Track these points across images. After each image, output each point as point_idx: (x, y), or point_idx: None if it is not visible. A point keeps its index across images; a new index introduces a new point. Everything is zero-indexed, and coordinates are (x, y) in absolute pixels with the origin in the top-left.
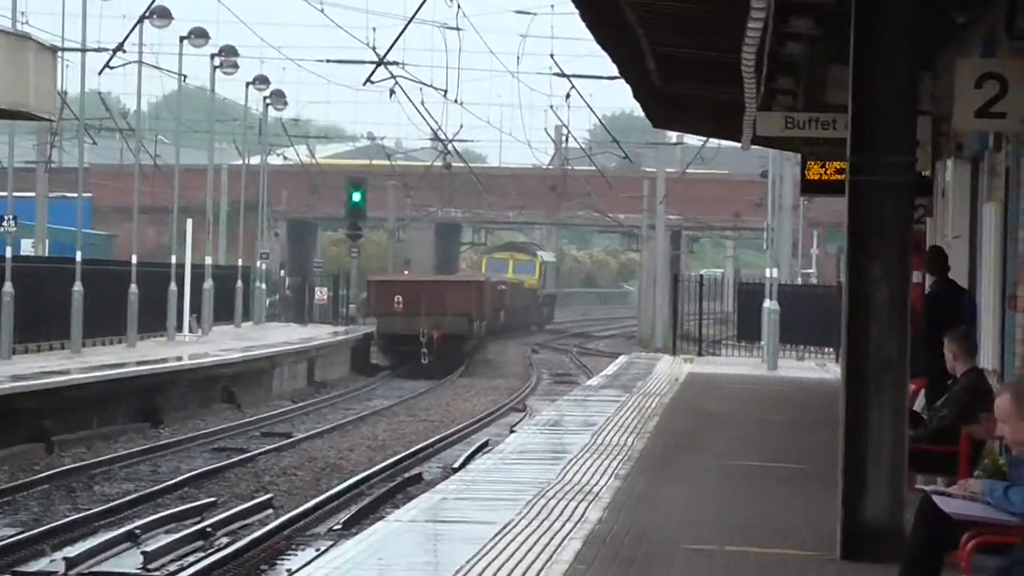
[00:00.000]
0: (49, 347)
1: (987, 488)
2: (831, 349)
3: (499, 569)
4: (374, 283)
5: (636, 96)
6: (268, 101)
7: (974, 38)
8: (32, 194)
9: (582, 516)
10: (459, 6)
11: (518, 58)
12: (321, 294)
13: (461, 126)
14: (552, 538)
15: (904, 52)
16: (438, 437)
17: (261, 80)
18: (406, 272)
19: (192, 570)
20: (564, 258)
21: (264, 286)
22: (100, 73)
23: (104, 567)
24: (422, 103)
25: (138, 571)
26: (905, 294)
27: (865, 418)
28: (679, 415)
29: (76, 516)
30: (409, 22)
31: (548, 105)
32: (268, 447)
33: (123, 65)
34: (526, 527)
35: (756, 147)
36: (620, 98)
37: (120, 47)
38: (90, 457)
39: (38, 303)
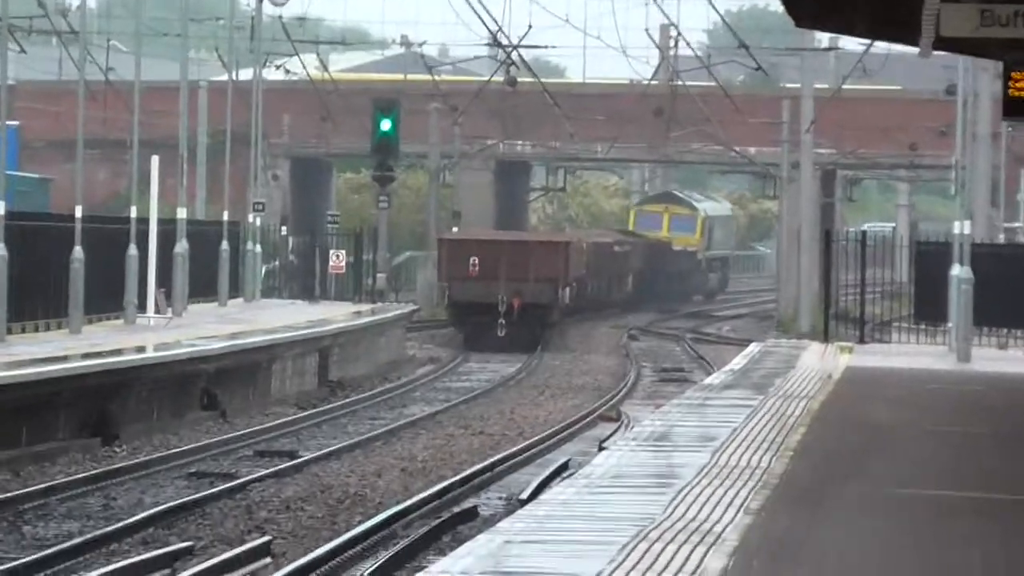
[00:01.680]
0: None
1: None
2: None
3: None
4: (446, 242)
5: None
6: None
7: None
8: None
9: (699, 566)
10: None
11: None
12: (337, 259)
13: (530, 27)
14: None
15: None
16: (499, 457)
17: None
18: (455, 229)
19: None
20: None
21: (259, 249)
22: None
23: None
24: None
25: None
26: None
27: None
28: (833, 426)
29: None
30: None
31: None
32: (265, 471)
33: None
34: None
35: (940, 53)
36: None
37: None
38: (17, 487)
39: None
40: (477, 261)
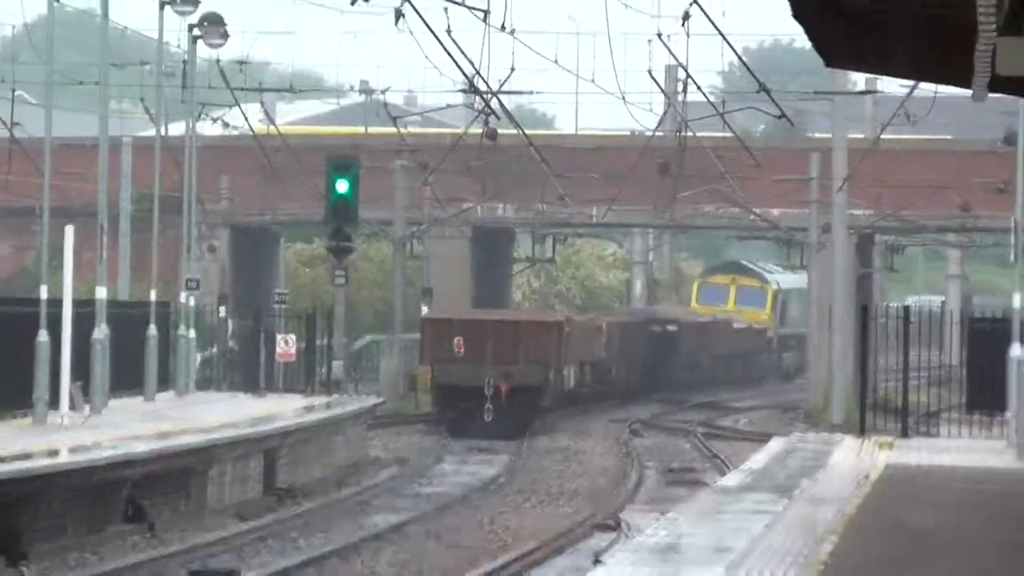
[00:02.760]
0: None
1: None
2: None
3: None
4: (429, 321)
5: (798, 15)
6: (198, 33)
7: None
8: None
9: None
10: None
11: None
12: (286, 345)
13: (512, 69)
14: None
15: None
16: (477, 574)
17: None
18: (424, 309)
19: None
20: (683, 280)
21: (193, 334)
22: None
23: None
24: (448, 32)
25: None
26: None
27: None
28: (870, 535)
29: None
30: None
31: (654, 33)
32: None
33: None
34: None
35: (996, 96)
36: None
37: None
38: None
39: None
40: (462, 341)
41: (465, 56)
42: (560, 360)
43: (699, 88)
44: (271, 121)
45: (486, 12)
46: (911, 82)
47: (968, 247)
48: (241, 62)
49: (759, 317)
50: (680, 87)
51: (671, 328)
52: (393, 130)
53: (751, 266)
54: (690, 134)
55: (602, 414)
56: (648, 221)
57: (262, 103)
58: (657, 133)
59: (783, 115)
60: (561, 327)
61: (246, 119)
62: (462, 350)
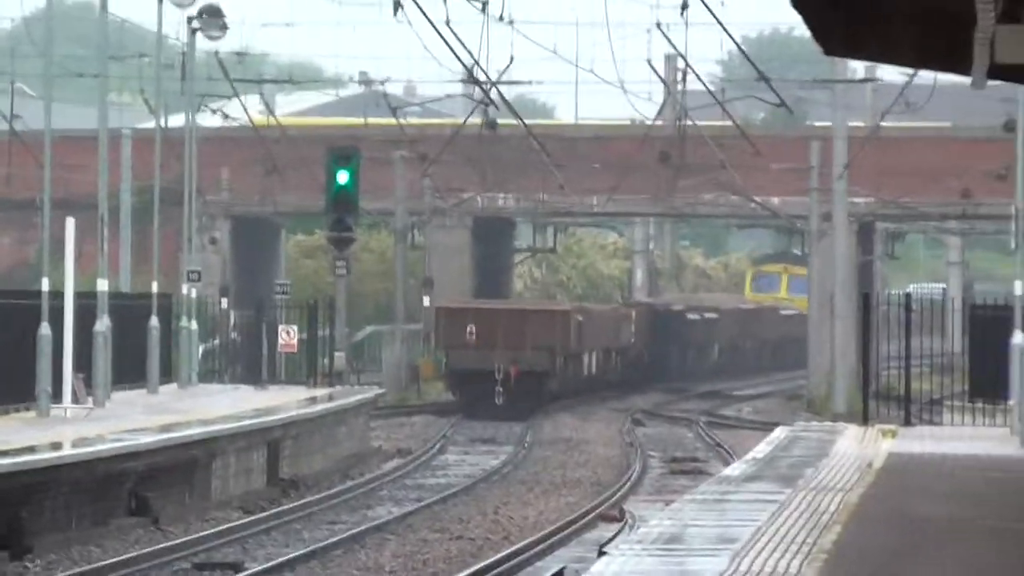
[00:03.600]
0: None
1: None
2: None
3: None
4: (443, 310)
5: (797, 3)
6: (196, 25)
7: None
8: None
9: None
10: None
11: None
12: (288, 336)
13: (512, 59)
14: None
15: None
16: (481, 566)
17: None
18: (426, 299)
19: None
20: (684, 269)
21: (195, 326)
22: None
23: None
24: (447, 22)
25: None
26: None
27: None
28: (874, 524)
29: None
30: None
31: (653, 22)
32: None
33: None
34: None
35: (996, 84)
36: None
37: None
38: None
39: None
40: (474, 329)
41: (464, 46)
42: (570, 347)
43: (698, 77)
44: (271, 112)
45: (485, 2)
46: (911, 70)
47: (969, 234)
48: (240, 54)
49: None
50: (679, 76)
51: (710, 316)
52: (393, 121)
53: (802, 255)
54: (690, 123)
55: (610, 401)
56: (649, 210)
57: (261, 94)
58: (657, 122)
59: (783, 103)
60: (568, 316)
61: (246, 111)
62: (474, 337)
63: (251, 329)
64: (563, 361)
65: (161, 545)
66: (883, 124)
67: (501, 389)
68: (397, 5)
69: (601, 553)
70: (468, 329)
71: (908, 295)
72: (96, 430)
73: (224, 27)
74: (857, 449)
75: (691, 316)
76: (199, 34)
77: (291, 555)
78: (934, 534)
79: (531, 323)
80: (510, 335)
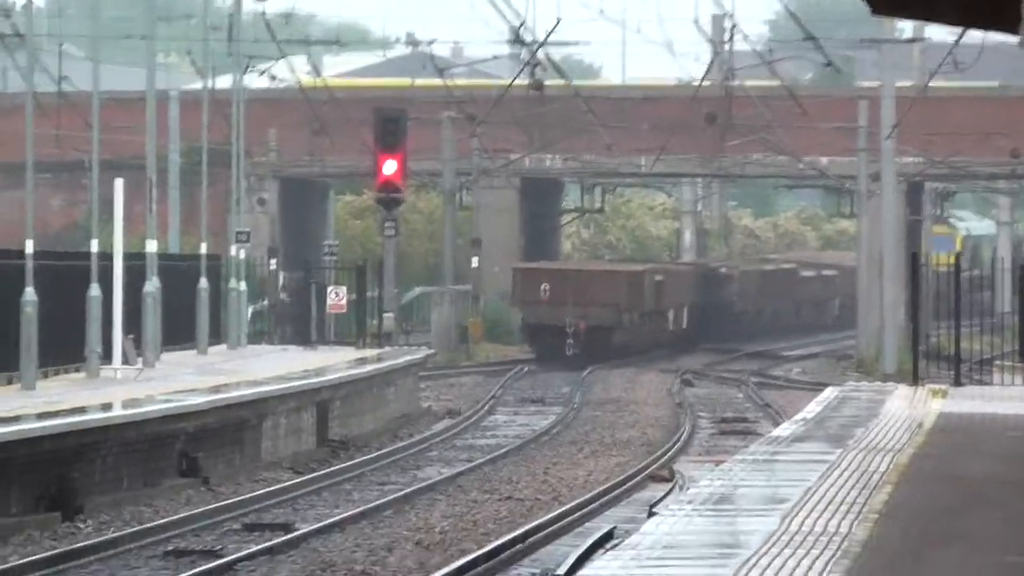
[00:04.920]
0: None
1: None
2: None
3: None
4: (520, 271)
5: None
6: None
7: None
8: None
9: None
10: None
11: None
12: (337, 297)
13: (558, 20)
14: None
15: None
16: (531, 526)
17: None
18: (475, 259)
19: None
20: (733, 229)
21: (244, 287)
22: None
23: None
24: None
25: None
26: None
27: None
28: (925, 483)
29: None
30: None
31: None
32: (255, 547)
33: None
34: None
35: None
36: None
37: None
38: None
39: None
40: (548, 288)
41: (511, 7)
42: (643, 305)
43: (745, 37)
44: (318, 74)
45: None
46: (959, 29)
47: (1019, 194)
48: (287, 15)
49: (950, 260)
50: (727, 36)
51: (828, 273)
52: (440, 82)
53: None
54: (737, 83)
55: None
56: (696, 170)
57: (308, 56)
58: (704, 83)
59: (830, 63)
60: (639, 276)
61: (293, 72)
62: (548, 294)
63: (300, 290)
64: (634, 317)
65: (212, 505)
66: (931, 84)
67: (572, 341)
68: None
69: (651, 513)
70: (542, 287)
71: (958, 254)
72: (146, 391)
73: None
74: (907, 409)
75: (805, 274)
76: None
77: (341, 515)
78: (984, 494)
79: (597, 282)
80: (579, 293)
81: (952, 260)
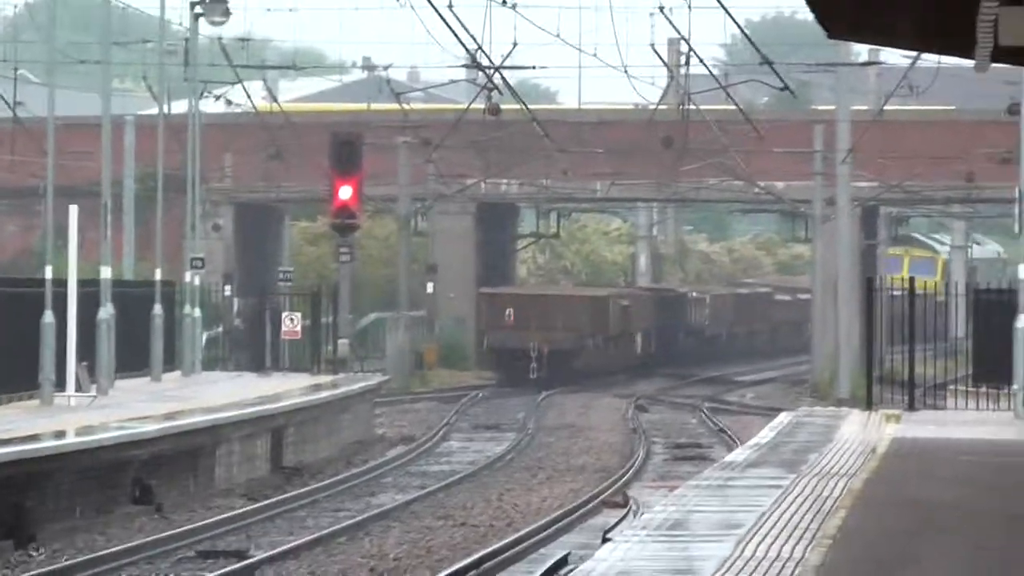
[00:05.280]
0: None
1: None
2: None
3: None
4: (485, 295)
5: None
6: (199, 10)
7: None
8: None
9: None
10: None
11: None
12: (292, 323)
13: (515, 44)
14: None
15: None
16: (486, 552)
17: None
18: (429, 285)
19: None
20: (688, 254)
21: (199, 313)
22: None
23: None
24: (450, 7)
25: None
26: None
27: None
28: (879, 509)
29: None
30: None
31: (657, 6)
32: (209, 575)
33: None
34: None
35: (999, 67)
36: None
37: None
38: None
39: None
40: (512, 312)
41: (467, 31)
42: (604, 329)
43: (701, 61)
44: (274, 98)
45: None
46: (914, 53)
47: (973, 218)
48: (243, 40)
49: (930, 284)
50: (683, 60)
51: (803, 296)
52: (396, 106)
53: (923, 239)
54: (693, 107)
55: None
56: (652, 195)
57: (265, 80)
58: (660, 106)
59: (786, 87)
60: (603, 301)
61: (249, 97)
62: (512, 319)
63: (255, 316)
64: (598, 341)
65: (165, 533)
66: (887, 108)
67: (535, 365)
68: None
69: (605, 539)
70: (507, 312)
71: (912, 280)
72: (99, 418)
73: (227, 13)
74: (861, 434)
75: (780, 298)
76: (202, 20)
77: (296, 542)
78: (938, 519)
79: (561, 308)
80: (543, 318)
81: (906, 283)
